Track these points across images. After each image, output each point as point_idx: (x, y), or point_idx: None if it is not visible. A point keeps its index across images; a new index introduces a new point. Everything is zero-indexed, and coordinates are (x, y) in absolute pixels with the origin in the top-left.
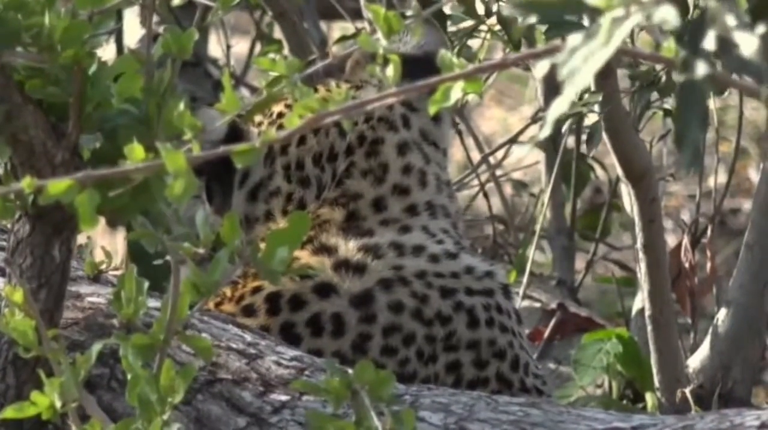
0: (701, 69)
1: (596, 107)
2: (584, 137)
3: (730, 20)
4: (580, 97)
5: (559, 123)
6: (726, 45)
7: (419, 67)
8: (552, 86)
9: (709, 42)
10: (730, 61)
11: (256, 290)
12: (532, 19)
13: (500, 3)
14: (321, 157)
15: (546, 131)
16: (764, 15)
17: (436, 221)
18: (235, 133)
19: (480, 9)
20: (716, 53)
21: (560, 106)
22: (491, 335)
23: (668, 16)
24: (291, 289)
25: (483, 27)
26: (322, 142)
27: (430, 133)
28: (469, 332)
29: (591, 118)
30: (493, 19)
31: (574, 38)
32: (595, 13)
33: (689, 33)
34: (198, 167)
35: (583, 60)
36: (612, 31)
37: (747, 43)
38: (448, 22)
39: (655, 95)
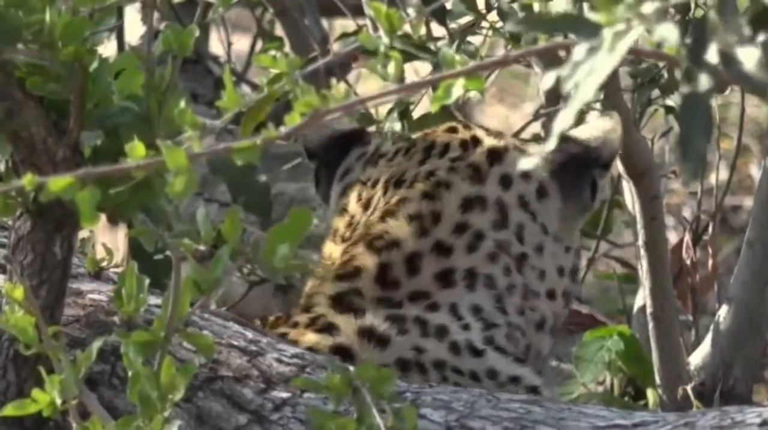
0: (704, 82)
1: (598, 105)
2: None
3: (731, 34)
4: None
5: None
6: (727, 58)
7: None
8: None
9: (712, 55)
10: (731, 74)
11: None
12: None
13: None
14: (390, 181)
15: (551, 145)
16: (764, 24)
17: (472, 294)
18: (357, 132)
19: (480, 4)
20: (720, 65)
21: (566, 119)
22: None
23: (668, 34)
24: (310, 342)
25: (484, 24)
26: (403, 165)
27: (539, 210)
28: None
29: (592, 115)
30: (494, 16)
31: (578, 51)
32: (597, 28)
33: (692, 44)
34: (313, 151)
35: (586, 74)
36: (614, 45)
37: (748, 57)
38: (448, 20)
39: (656, 92)
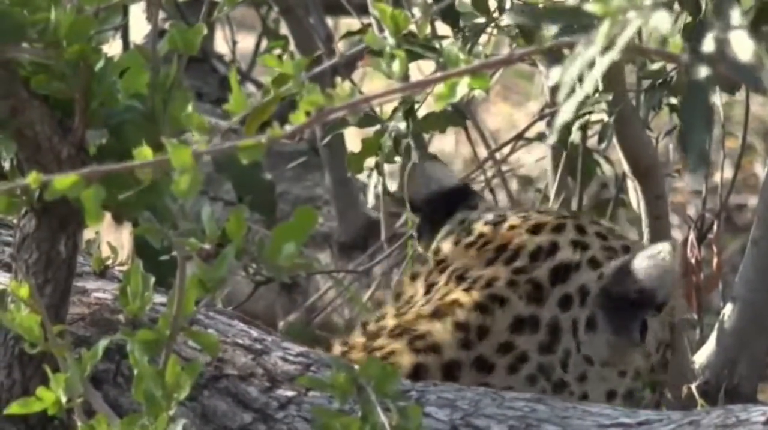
0: (703, 71)
1: (604, 106)
2: (591, 133)
3: (729, 23)
4: (588, 96)
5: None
6: (723, 49)
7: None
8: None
9: (708, 45)
10: (727, 65)
11: None
12: (552, 29)
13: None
14: (454, 274)
15: (553, 136)
16: (763, 23)
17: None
18: (462, 190)
19: (491, 6)
20: (717, 56)
21: (566, 112)
22: None
23: (661, 22)
24: None
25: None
26: (472, 261)
27: (585, 342)
28: None
29: (597, 113)
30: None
31: (580, 45)
32: (595, 19)
33: (692, 36)
34: (418, 205)
35: (584, 66)
36: (611, 35)
37: (743, 47)
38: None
39: (663, 93)
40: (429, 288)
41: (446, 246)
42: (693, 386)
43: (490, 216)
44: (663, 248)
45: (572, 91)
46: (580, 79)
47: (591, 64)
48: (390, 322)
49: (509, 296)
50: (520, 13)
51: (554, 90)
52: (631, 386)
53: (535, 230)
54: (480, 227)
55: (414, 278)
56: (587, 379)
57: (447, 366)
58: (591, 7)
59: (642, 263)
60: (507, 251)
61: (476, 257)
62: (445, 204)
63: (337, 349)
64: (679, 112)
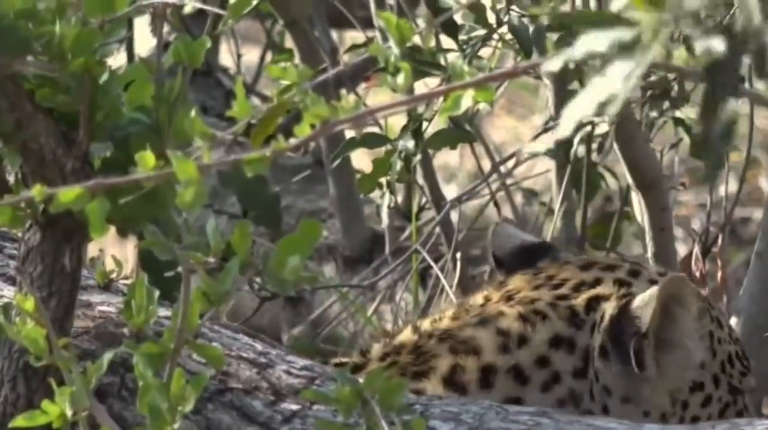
0: (719, 46)
1: (607, 117)
2: (595, 146)
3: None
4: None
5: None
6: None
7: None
8: (562, 95)
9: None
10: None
11: None
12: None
13: (511, 13)
14: (506, 293)
15: (564, 131)
16: None
17: None
18: (545, 246)
19: (491, 19)
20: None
21: (584, 107)
22: None
23: (715, 44)
24: None
25: (494, 36)
26: (523, 284)
27: (601, 370)
28: None
29: (602, 127)
30: (503, 28)
31: (605, 46)
32: (635, 26)
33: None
34: (501, 259)
35: (621, 74)
36: (649, 44)
37: None
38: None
39: (666, 104)
40: (486, 301)
41: (510, 279)
42: None
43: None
44: (652, 291)
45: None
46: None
47: (625, 75)
48: (447, 322)
49: (550, 313)
50: (552, 17)
51: (558, 103)
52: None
53: (586, 267)
54: (541, 267)
55: (484, 286)
56: (609, 412)
57: (484, 370)
58: (636, 15)
59: (640, 301)
60: (554, 280)
61: (528, 282)
62: (528, 258)
63: (377, 350)
64: (684, 126)
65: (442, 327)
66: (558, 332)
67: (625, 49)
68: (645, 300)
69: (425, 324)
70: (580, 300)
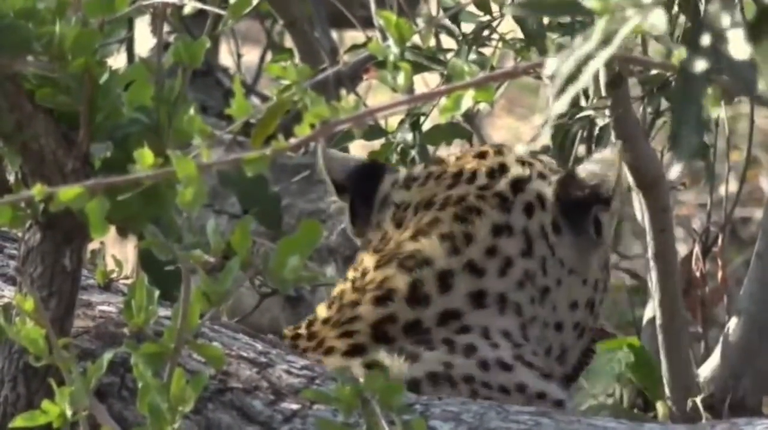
0: (700, 66)
1: (606, 112)
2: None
3: (726, 23)
4: (588, 97)
5: (569, 130)
6: (720, 48)
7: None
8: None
9: (705, 40)
10: (723, 63)
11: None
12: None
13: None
14: (421, 204)
15: (547, 133)
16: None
17: (502, 318)
18: (378, 164)
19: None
20: (713, 55)
21: (560, 105)
22: None
23: (657, 20)
24: (338, 365)
25: (494, 35)
26: (433, 189)
27: (556, 244)
28: None
29: (601, 124)
30: (503, 27)
31: (577, 40)
32: (593, 14)
33: (690, 34)
34: (340, 183)
35: (580, 61)
36: (609, 32)
37: (739, 47)
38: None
39: (666, 104)
40: (399, 223)
41: (399, 194)
42: (698, 400)
43: (421, 168)
44: (604, 154)
45: (566, 85)
46: (576, 76)
47: (587, 60)
48: (370, 261)
49: (482, 206)
50: (520, 6)
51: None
52: (591, 295)
53: (482, 155)
54: (424, 171)
55: (378, 226)
56: (562, 285)
57: (441, 275)
58: (589, 3)
59: (586, 168)
60: (465, 174)
61: (436, 186)
62: (367, 177)
63: (322, 308)
64: (670, 115)
65: (373, 260)
66: (495, 222)
67: (586, 38)
68: (587, 168)
69: (358, 267)
70: (503, 185)
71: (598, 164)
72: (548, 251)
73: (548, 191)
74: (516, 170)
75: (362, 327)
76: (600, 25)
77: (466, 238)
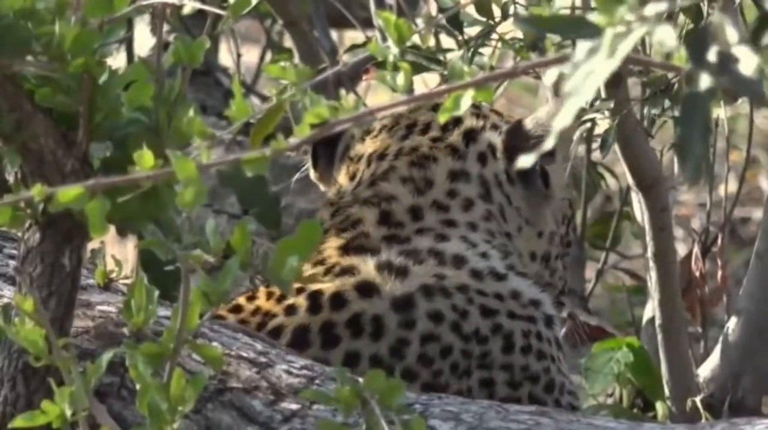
0: (705, 81)
1: (606, 114)
2: (595, 145)
3: (732, 36)
4: (591, 104)
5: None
6: (726, 61)
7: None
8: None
9: (712, 56)
10: (729, 76)
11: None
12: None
13: (516, 5)
14: (374, 155)
15: (550, 143)
16: (764, 33)
17: (475, 233)
18: None
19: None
20: (718, 67)
21: (564, 119)
22: (525, 361)
23: (666, 35)
24: (332, 287)
25: (494, 35)
26: (386, 141)
27: (511, 194)
28: (503, 355)
29: (601, 126)
30: (503, 27)
31: (580, 51)
32: (598, 29)
33: (693, 46)
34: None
35: (585, 75)
36: (614, 46)
37: (746, 60)
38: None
39: (666, 103)
40: (353, 176)
41: (355, 147)
42: (697, 399)
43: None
44: (550, 106)
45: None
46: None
47: (588, 74)
48: (326, 212)
49: (436, 154)
50: (524, 22)
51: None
52: (547, 248)
53: (435, 108)
54: (378, 123)
55: (333, 181)
56: (522, 233)
57: (411, 209)
58: (595, 18)
59: (533, 119)
60: (418, 125)
61: (389, 137)
62: (331, 143)
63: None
64: (678, 123)
65: (340, 204)
66: (451, 168)
67: (592, 52)
68: (535, 118)
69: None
70: (455, 137)
71: (541, 114)
72: (505, 199)
73: (499, 143)
74: (469, 122)
75: (331, 251)
76: (607, 40)
77: (426, 182)
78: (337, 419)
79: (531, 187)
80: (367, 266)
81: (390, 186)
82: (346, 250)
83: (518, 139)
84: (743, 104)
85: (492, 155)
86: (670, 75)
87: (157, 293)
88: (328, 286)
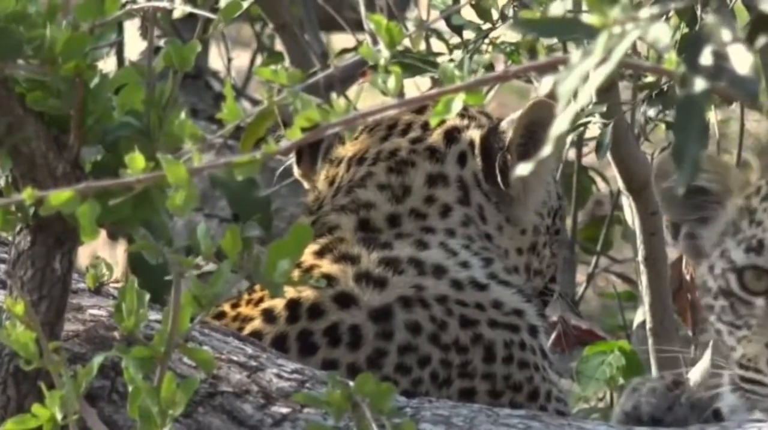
0: (699, 85)
1: (598, 117)
2: (586, 149)
3: (726, 37)
4: (582, 109)
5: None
6: (721, 61)
7: None
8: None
9: (706, 58)
10: (725, 77)
11: None
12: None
13: (515, 8)
14: (354, 159)
15: (547, 150)
16: (762, 31)
17: (454, 239)
18: None
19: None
20: (714, 69)
21: (561, 124)
22: (507, 370)
23: (661, 34)
24: (311, 296)
25: (485, 40)
26: (366, 142)
27: (490, 192)
28: (484, 365)
29: (592, 130)
30: (494, 32)
31: (575, 55)
32: (593, 30)
33: (688, 48)
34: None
35: (581, 78)
36: (609, 48)
37: (742, 60)
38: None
39: (659, 108)
40: (332, 181)
41: (336, 149)
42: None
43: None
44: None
45: (568, 102)
46: (575, 92)
47: (587, 76)
48: (306, 221)
49: (415, 158)
50: (520, 24)
51: None
52: (533, 240)
53: (420, 110)
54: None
55: (313, 187)
56: (504, 231)
57: (389, 217)
58: (589, 19)
59: (509, 121)
60: (399, 126)
61: (369, 139)
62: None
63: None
64: (673, 132)
65: (319, 214)
66: (429, 172)
67: (586, 54)
68: (511, 119)
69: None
70: (436, 136)
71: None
72: (484, 199)
73: (478, 139)
74: (453, 121)
75: (308, 256)
76: (601, 42)
77: (404, 189)
78: (327, 423)
79: (495, 185)
80: (346, 276)
81: (367, 193)
82: (320, 253)
83: (492, 139)
84: (734, 108)
85: (472, 154)
86: (663, 79)
87: (147, 296)
88: (307, 295)
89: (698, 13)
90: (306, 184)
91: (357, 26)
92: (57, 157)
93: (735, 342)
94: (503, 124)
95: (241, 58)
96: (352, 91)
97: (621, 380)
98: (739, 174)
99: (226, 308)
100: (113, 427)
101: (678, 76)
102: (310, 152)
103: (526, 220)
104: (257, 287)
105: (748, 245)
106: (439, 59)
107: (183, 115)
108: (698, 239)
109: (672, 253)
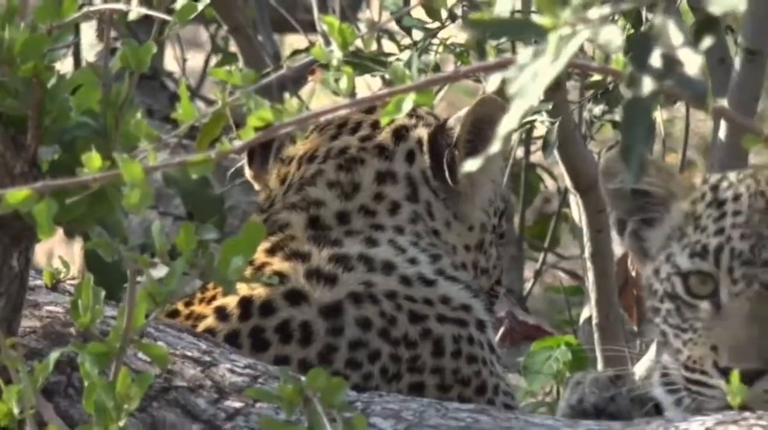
0: (647, 86)
1: (545, 115)
2: (533, 148)
3: (675, 38)
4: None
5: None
6: (670, 62)
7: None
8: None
9: (655, 59)
10: (673, 78)
11: None
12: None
13: (463, 8)
14: (304, 157)
15: (496, 147)
16: (708, 30)
17: (402, 236)
18: None
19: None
20: (662, 70)
21: (510, 122)
22: (456, 365)
23: (612, 36)
24: (263, 294)
25: (434, 40)
26: (315, 141)
27: (439, 189)
28: (433, 359)
29: (540, 129)
30: (444, 32)
31: (524, 55)
32: (543, 31)
33: (635, 49)
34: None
35: (531, 77)
36: (560, 48)
37: (690, 62)
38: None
39: (604, 107)
40: (284, 179)
41: (288, 148)
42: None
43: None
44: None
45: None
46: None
47: (534, 76)
48: (257, 219)
49: (364, 156)
50: (470, 24)
51: None
52: (480, 237)
53: (370, 110)
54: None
55: (264, 186)
56: (451, 227)
57: (339, 214)
58: (539, 20)
59: (455, 119)
60: (349, 125)
61: (319, 137)
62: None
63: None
64: (620, 131)
65: (270, 211)
66: (377, 169)
67: (537, 54)
68: (458, 116)
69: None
70: (385, 134)
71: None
72: (432, 195)
73: (425, 137)
74: (401, 120)
75: (259, 254)
76: (553, 42)
77: (353, 186)
78: (279, 417)
79: (453, 181)
80: (297, 274)
81: (317, 191)
82: (272, 251)
83: (439, 136)
84: (680, 107)
85: (420, 152)
86: (609, 78)
87: (103, 293)
88: (258, 292)
89: (643, 14)
90: (257, 186)
91: (310, 27)
92: (14, 156)
93: (681, 345)
94: (450, 121)
95: (196, 60)
96: (304, 91)
97: (567, 375)
98: (684, 179)
99: (180, 306)
100: (69, 421)
101: (625, 77)
102: (262, 153)
103: (473, 216)
104: (210, 285)
105: (693, 250)
106: (390, 59)
107: (139, 115)
108: (644, 241)
109: (618, 250)
